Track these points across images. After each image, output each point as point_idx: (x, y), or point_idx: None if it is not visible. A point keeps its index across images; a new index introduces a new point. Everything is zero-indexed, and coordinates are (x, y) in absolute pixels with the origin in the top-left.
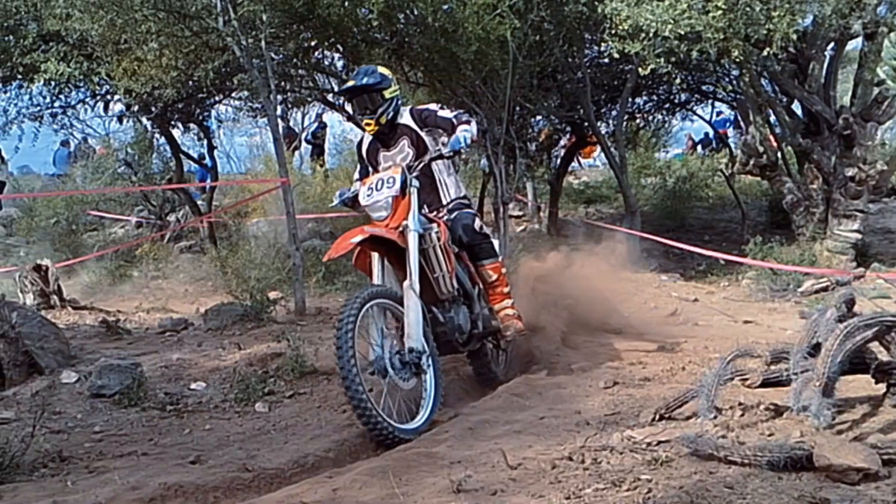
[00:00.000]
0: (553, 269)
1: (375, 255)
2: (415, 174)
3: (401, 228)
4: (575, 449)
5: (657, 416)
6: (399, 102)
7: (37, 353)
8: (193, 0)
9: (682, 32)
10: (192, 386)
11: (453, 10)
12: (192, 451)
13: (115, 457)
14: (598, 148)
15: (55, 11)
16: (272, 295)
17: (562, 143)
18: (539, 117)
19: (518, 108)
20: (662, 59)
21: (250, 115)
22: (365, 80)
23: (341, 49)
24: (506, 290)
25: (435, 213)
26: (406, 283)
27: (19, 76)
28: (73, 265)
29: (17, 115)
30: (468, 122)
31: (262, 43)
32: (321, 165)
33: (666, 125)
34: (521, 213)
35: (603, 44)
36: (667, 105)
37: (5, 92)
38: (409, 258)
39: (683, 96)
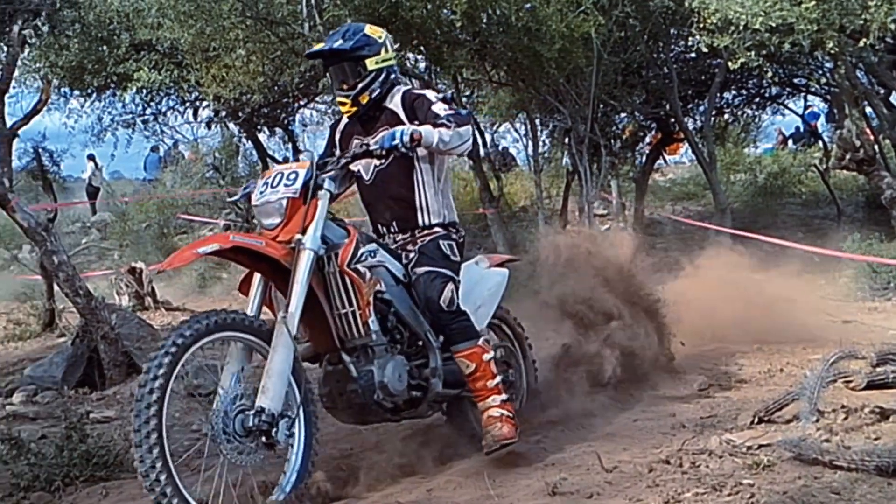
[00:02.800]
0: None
1: (256, 278)
2: (331, 173)
3: (291, 244)
4: (672, 452)
5: (756, 419)
6: (393, 77)
7: (135, 354)
8: (280, 7)
9: (774, 24)
10: None
11: (536, 8)
12: None
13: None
14: (685, 144)
15: (147, 21)
16: None
17: (647, 139)
18: (623, 114)
19: (602, 106)
20: (753, 53)
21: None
22: (338, 44)
23: (424, 51)
24: (491, 383)
25: (408, 235)
26: (280, 316)
27: (113, 85)
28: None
29: (110, 122)
30: (450, 126)
31: None
32: None
33: (756, 120)
34: (605, 212)
35: (690, 38)
36: (757, 99)
37: (100, 101)
38: (293, 282)
39: (774, 90)
